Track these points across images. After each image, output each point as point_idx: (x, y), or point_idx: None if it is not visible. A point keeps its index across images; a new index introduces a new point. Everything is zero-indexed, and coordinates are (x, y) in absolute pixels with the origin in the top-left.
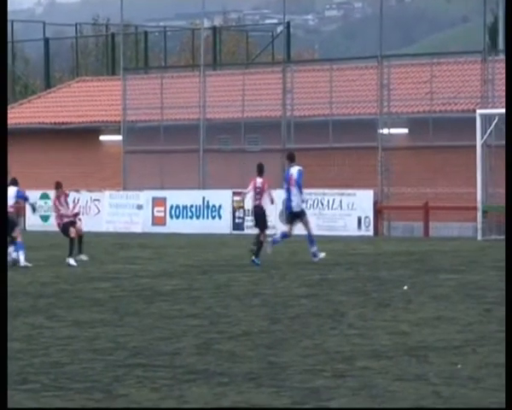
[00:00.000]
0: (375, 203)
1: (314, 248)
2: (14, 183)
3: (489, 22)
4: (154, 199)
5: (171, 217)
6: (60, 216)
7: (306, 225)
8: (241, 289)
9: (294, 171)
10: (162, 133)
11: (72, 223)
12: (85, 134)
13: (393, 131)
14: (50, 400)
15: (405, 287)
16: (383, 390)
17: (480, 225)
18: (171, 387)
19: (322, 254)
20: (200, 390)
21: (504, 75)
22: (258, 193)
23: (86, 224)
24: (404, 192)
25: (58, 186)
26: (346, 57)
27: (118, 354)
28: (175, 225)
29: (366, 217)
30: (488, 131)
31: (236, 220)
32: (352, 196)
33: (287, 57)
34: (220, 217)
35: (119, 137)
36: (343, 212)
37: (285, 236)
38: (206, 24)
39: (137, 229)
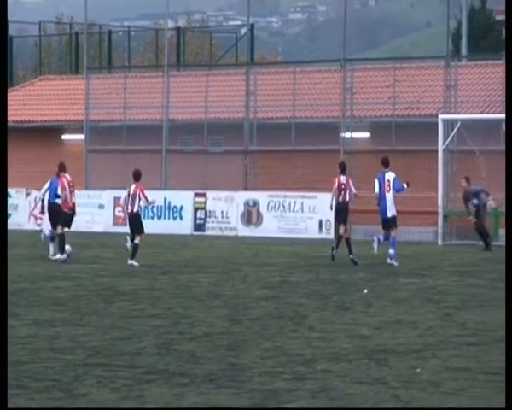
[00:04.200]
0: None
1: (393, 252)
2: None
3: (452, 28)
4: (115, 199)
5: None
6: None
7: (391, 233)
8: (202, 290)
9: (391, 177)
10: (125, 133)
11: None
12: (48, 133)
13: (356, 134)
14: (10, 398)
15: (365, 290)
16: (342, 393)
17: (440, 230)
18: (131, 387)
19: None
20: (160, 391)
21: (467, 81)
22: (343, 189)
23: (47, 223)
24: (366, 196)
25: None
26: (309, 60)
27: (78, 353)
28: None
29: (327, 220)
30: (450, 137)
31: (198, 221)
32: (314, 199)
33: (250, 59)
34: (182, 218)
35: (81, 136)
36: (304, 215)
37: (386, 238)
38: (170, 25)
39: (99, 228)
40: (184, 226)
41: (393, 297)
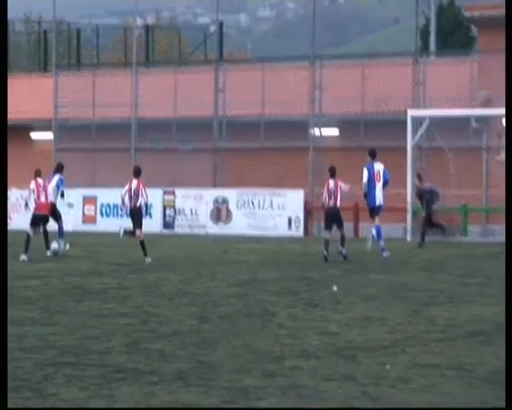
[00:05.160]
0: (306, 203)
1: (382, 243)
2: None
3: (421, 24)
4: (84, 197)
5: (102, 215)
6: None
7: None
8: (171, 289)
9: (380, 168)
10: (94, 131)
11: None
12: (16, 131)
13: (325, 131)
14: None
15: (335, 287)
16: (312, 390)
17: (409, 227)
18: (100, 386)
19: (385, 254)
20: (129, 389)
21: (436, 77)
22: (333, 194)
23: (17, 222)
24: None
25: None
26: (278, 57)
27: (47, 352)
28: (105, 224)
29: (296, 217)
30: (419, 133)
31: (167, 219)
32: (283, 196)
33: (219, 57)
34: (151, 216)
35: (50, 135)
36: (274, 212)
37: (379, 234)
38: (139, 22)
39: (68, 227)
40: (153, 224)
41: (362, 294)
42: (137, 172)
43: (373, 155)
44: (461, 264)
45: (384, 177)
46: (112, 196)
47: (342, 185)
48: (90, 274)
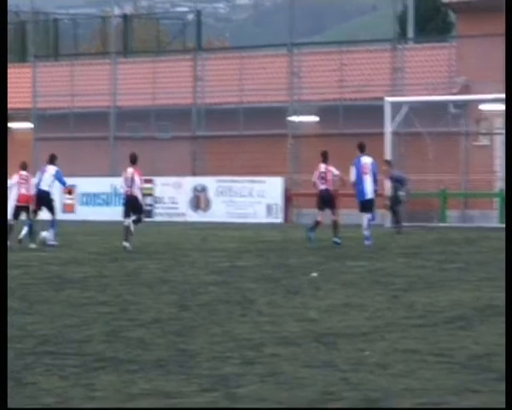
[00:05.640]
0: (285, 191)
1: (367, 232)
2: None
3: (399, 10)
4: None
5: (81, 204)
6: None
7: (373, 211)
8: (150, 277)
9: (368, 160)
10: (73, 121)
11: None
12: None
13: (303, 118)
14: None
15: (314, 274)
16: (291, 377)
17: (388, 213)
18: (79, 375)
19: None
20: (109, 378)
21: (414, 63)
22: (324, 178)
23: None
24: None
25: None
26: (256, 45)
27: (27, 341)
28: (85, 213)
29: (275, 204)
30: (397, 119)
31: (146, 208)
32: (262, 184)
33: (198, 45)
34: None
35: (29, 125)
36: (253, 199)
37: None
38: (117, 12)
39: (47, 216)
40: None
41: (342, 280)
42: (133, 160)
43: (361, 148)
44: (439, 249)
45: (372, 170)
46: (91, 185)
47: (334, 170)
48: (70, 263)
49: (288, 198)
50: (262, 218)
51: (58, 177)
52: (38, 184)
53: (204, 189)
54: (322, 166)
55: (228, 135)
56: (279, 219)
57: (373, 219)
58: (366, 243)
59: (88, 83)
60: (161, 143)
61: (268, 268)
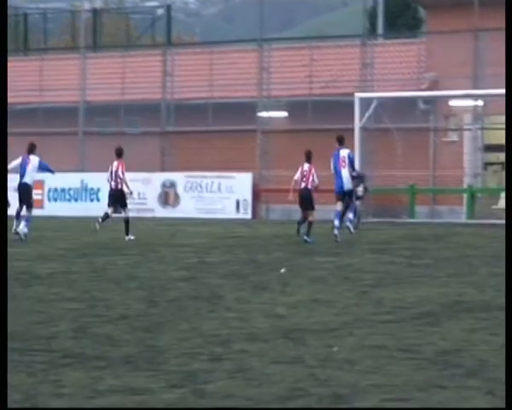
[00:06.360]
0: (254, 186)
1: (337, 223)
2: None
3: (368, 6)
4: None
5: (49, 200)
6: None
7: (350, 203)
8: (118, 273)
9: (345, 153)
10: (41, 116)
11: None
12: None
13: (273, 114)
14: None
15: (282, 270)
16: (260, 373)
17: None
18: (47, 371)
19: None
20: (76, 374)
21: (383, 59)
22: (305, 176)
23: None
24: (283, 175)
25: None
26: (226, 40)
27: None
28: (53, 208)
29: (244, 200)
30: (367, 115)
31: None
32: (231, 179)
33: (167, 40)
34: (99, 200)
35: None
36: (222, 195)
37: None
38: (87, 6)
39: (13, 212)
40: (101, 208)
41: (310, 276)
42: (118, 153)
43: (340, 141)
44: (408, 245)
45: (349, 159)
46: (59, 180)
47: (314, 176)
48: (37, 259)
49: (257, 194)
50: (231, 213)
51: (44, 167)
52: (22, 177)
53: (173, 184)
54: (306, 166)
55: (197, 130)
56: (248, 215)
57: (355, 214)
58: (335, 232)
59: (57, 78)
60: (130, 138)
61: (236, 264)
